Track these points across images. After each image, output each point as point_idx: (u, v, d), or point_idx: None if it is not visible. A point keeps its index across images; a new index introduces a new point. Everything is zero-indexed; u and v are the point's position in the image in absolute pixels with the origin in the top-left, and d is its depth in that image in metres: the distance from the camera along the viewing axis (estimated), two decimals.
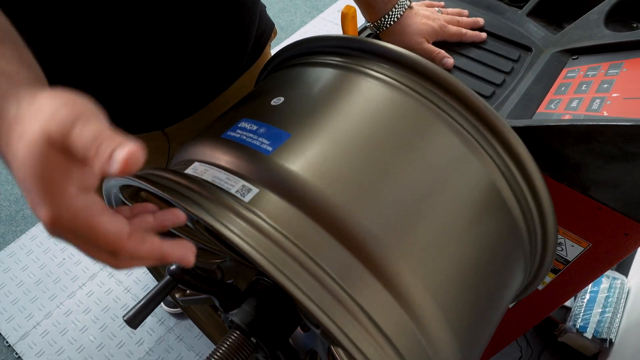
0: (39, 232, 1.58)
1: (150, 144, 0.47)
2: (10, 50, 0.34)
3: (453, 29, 0.66)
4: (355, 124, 0.45)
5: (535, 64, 0.64)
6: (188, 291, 0.58)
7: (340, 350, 0.36)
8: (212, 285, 0.50)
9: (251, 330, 0.47)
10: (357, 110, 0.47)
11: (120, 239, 0.31)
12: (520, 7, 0.71)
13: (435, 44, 0.67)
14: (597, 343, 1.18)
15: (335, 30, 2.14)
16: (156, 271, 0.67)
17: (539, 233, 0.52)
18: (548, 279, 0.68)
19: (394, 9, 0.65)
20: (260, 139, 0.45)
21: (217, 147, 0.46)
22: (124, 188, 0.49)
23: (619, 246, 0.56)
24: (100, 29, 0.52)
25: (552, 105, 0.56)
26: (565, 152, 0.51)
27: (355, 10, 0.67)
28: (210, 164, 0.45)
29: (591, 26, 0.63)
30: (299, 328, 0.51)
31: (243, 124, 0.48)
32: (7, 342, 1.34)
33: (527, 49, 0.66)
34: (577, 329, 1.19)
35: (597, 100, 0.53)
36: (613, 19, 0.63)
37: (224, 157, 0.45)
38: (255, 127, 0.46)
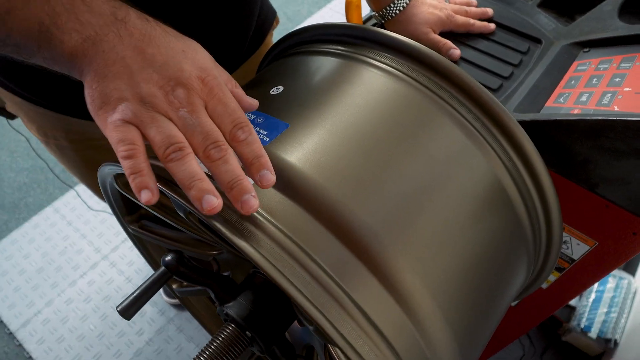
0: (41, 220, 1.58)
1: None
2: None
3: (461, 19, 0.65)
4: (356, 116, 0.44)
5: (545, 56, 0.62)
6: (185, 283, 0.57)
7: (337, 349, 0.35)
8: (207, 277, 0.49)
9: (246, 323, 0.46)
10: (358, 101, 0.45)
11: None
12: None
13: (442, 34, 0.65)
14: (602, 343, 1.16)
15: (342, 20, 2.11)
16: (152, 261, 0.66)
17: (544, 231, 0.50)
18: (552, 277, 0.66)
19: None
20: (257, 128, 0.44)
21: None
22: (118, 176, 0.48)
23: (627, 245, 0.54)
24: None
25: (560, 99, 0.54)
26: (573, 148, 0.50)
27: None
28: None
29: (604, 18, 0.61)
30: (295, 322, 0.50)
31: None
32: (8, 329, 1.35)
33: (537, 41, 0.64)
34: (581, 329, 1.18)
35: (608, 95, 0.51)
36: (627, 11, 0.60)
37: None
38: (252, 117, 0.45)
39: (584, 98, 0.52)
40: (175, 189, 0.38)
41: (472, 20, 0.65)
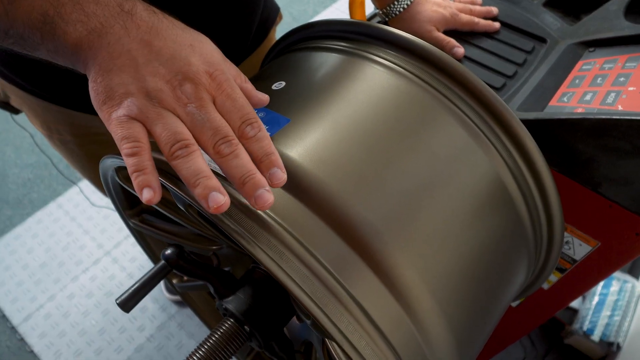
0: (45, 216, 1.59)
1: None
2: None
3: (465, 17, 0.64)
4: (358, 112, 0.44)
5: (550, 55, 0.62)
6: (185, 277, 0.57)
7: (334, 344, 0.34)
8: (206, 271, 0.49)
9: (245, 318, 0.46)
10: (360, 97, 0.45)
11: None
12: None
13: (446, 33, 0.65)
14: (604, 347, 1.15)
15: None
16: (153, 255, 0.66)
17: (545, 230, 0.50)
18: (554, 278, 0.66)
19: None
20: None
21: None
22: (120, 169, 0.48)
23: (630, 246, 0.54)
24: None
25: (564, 99, 0.54)
26: (576, 147, 0.49)
27: None
28: None
29: (610, 17, 0.60)
30: (294, 318, 0.50)
31: None
32: (10, 323, 1.36)
33: (542, 40, 0.64)
34: (584, 332, 1.17)
35: (612, 94, 0.51)
36: (633, 11, 0.60)
37: None
38: None
39: (588, 97, 0.52)
40: (176, 182, 0.38)
41: (476, 19, 0.65)
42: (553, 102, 0.54)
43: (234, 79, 0.37)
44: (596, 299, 1.22)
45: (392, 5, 0.64)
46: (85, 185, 1.62)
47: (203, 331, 1.30)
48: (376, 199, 0.39)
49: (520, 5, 0.69)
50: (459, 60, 0.63)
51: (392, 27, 0.51)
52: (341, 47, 0.51)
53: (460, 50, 0.62)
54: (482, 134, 0.46)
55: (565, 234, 0.59)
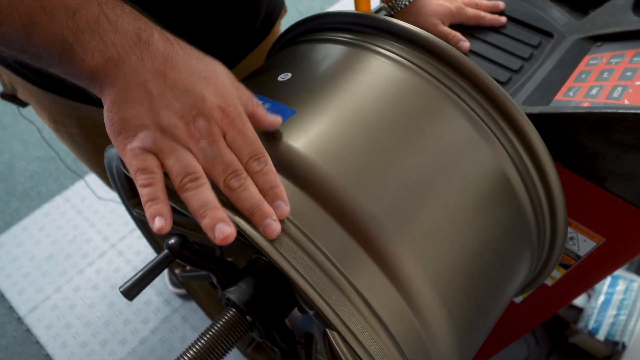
0: (52, 208, 1.60)
1: None
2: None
3: (471, 11, 0.64)
4: (362, 104, 0.44)
5: (556, 50, 0.61)
6: (188, 267, 0.57)
7: (335, 334, 0.35)
8: (209, 261, 0.49)
9: (247, 308, 0.46)
10: (365, 90, 0.45)
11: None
12: None
13: (452, 27, 0.65)
14: (610, 346, 1.15)
15: None
16: (156, 245, 0.67)
17: (548, 225, 0.50)
18: (558, 274, 0.66)
19: None
20: None
21: None
22: None
23: (635, 242, 0.53)
24: None
25: (570, 93, 0.54)
26: (582, 141, 0.49)
27: None
28: None
29: (618, 12, 0.60)
30: (296, 310, 0.50)
31: None
32: (17, 314, 1.37)
33: (549, 34, 0.64)
34: (589, 331, 1.16)
35: (619, 88, 0.50)
36: None
37: None
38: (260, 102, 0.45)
39: (594, 92, 0.52)
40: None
41: (482, 13, 0.64)
42: (559, 97, 0.54)
43: (245, 105, 0.38)
44: (602, 298, 1.21)
45: None
46: (92, 179, 1.63)
47: (206, 324, 1.31)
48: (379, 191, 0.39)
49: (527, 0, 0.68)
50: (465, 54, 0.62)
51: None
52: (347, 39, 0.51)
53: (465, 44, 0.62)
54: (486, 127, 0.46)
55: (570, 229, 0.59)
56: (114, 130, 0.35)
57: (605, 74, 0.53)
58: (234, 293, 0.47)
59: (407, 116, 0.44)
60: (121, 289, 0.47)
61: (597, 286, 1.22)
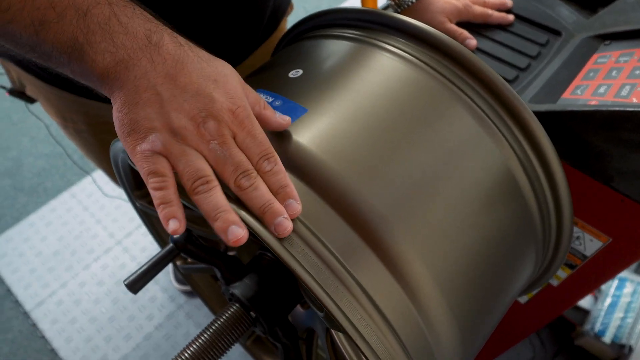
0: (58, 204, 1.61)
1: None
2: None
3: (478, 9, 0.64)
4: (370, 101, 0.44)
5: (564, 49, 0.61)
6: (189, 260, 0.57)
7: (340, 334, 0.35)
8: (214, 256, 0.49)
9: (251, 304, 0.46)
10: (373, 87, 0.45)
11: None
12: None
13: (459, 24, 0.65)
14: (616, 349, 1.13)
15: None
16: (160, 239, 0.67)
17: (554, 224, 0.49)
18: (564, 274, 0.65)
19: None
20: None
21: None
22: None
23: None
24: None
25: (578, 91, 0.53)
26: (589, 140, 0.49)
27: None
28: None
29: (627, 10, 0.59)
30: (298, 305, 0.50)
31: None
32: (23, 309, 1.38)
33: (557, 33, 0.63)
34: (595, 333, 1.15)
35: (627, 87, 0.50)
36: None
37: None
38: (271, 99, 0.45)
39: (602, 90, 0.51)
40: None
41: (490, 11, 0.64)
42: (566, 95, 0.54)
43: (253, 106, 0.38)
44: (609, 300, 1.20)
45: None
46: (98, 175, 1.64)
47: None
48: (383, 187, 0.39)
49: None
50: (472, 52, 0.62)
51: None
52: (354, 36, 0.51)
53: (472, 42, 0.62)
54: (493, 124, 0.45)
55: (576, 229, 0.59)
56: (123, 131, 0.35)
57: (614, 72, 0.53)
58: (238, 289, 0.47)
59: (414, 113, 0.44)
60: (125, 282, 0.47)
61: (604, 288, 1.21)
